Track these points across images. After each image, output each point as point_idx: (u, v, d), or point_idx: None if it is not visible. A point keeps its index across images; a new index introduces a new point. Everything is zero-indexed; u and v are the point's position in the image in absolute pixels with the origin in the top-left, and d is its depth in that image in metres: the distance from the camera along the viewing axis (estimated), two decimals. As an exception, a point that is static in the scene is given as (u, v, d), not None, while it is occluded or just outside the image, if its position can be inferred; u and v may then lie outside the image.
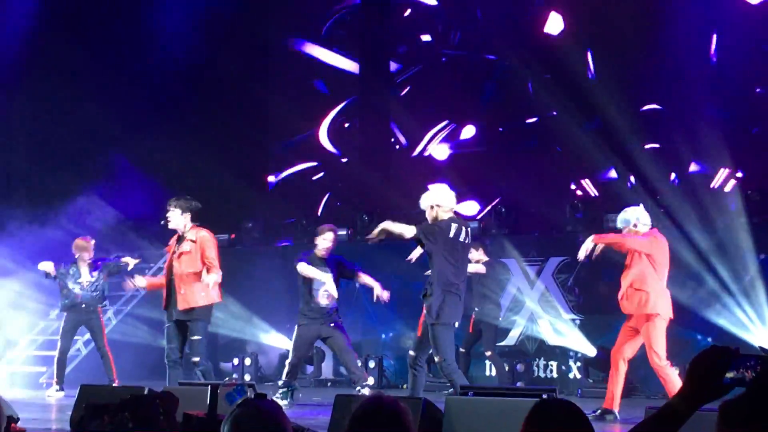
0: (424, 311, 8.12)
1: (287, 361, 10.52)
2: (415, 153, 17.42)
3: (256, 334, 15.08)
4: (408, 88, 17.87)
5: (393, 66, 17.93)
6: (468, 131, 17.13)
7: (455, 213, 8.38)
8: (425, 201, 8.28)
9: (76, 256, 12.27)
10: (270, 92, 18.23)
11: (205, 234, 9.61)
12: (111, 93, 15.96)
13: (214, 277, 9.40)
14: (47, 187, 15.49)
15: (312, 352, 12.94)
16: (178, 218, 9.56)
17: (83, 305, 12.16)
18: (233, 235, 16.17)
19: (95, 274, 12.22)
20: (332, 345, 10.42)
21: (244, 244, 16.16)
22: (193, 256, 9.46)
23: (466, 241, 8.23)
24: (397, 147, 17.95)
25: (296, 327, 10.44)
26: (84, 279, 12.20)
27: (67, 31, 15.95)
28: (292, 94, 18.25)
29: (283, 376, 10.44)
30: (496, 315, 12.46)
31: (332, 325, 10.26)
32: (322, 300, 10.24)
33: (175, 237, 9.73)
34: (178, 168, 15.74)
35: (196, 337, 9.43)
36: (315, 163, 18.61)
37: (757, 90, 14.57)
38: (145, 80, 16.33)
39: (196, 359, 9.44)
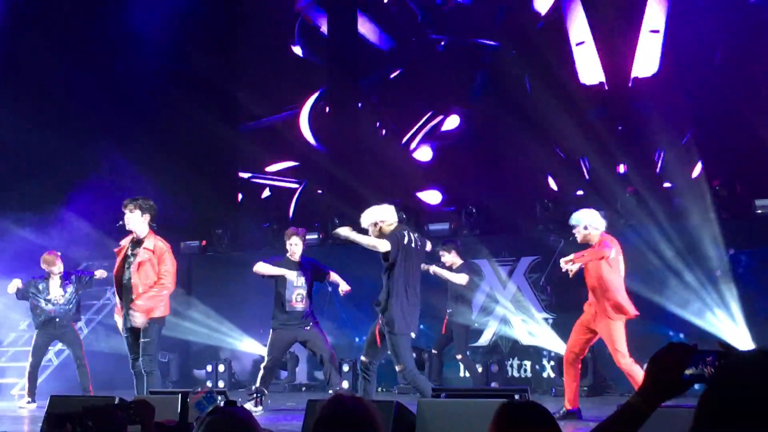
0: (381, 321, 8.14)
1: (262, 365, 10.49)
2: (403, 142, 17.19)
3: (229, 341, 15.02)
4: (393, 77, 17.64)
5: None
6: (451, 122, 16.96)
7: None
8: (368, 219, 8.28)
9: (46, 271, 12.12)
10: (240, 81, 18.15)
11: (162, 245, 9.04)
12: (80, 96, 15.81)
13: (164, 292, 8.96)
14: (17, 196, 15.31)
15: (286, 357, 12.89)
16: (137, 220, 8.95)
17: (57, 320, 12.01)
18: (204, 242, 16.11)
19: (68, 288, 12.08)
20: (312, 348, 10.36)
21: (215, 250, 16.10)
22: (152, 266, 8.94)
23: (417, 247, 8.23)
24: (363, 146, 17.80)
25: (271, 331, 10.40)
26: (54, 294, 12.05)
27: (35, 32, 15.78)
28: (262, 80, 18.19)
29: (258, 381, 10.39)
30: (469, 316, 12.48)
31: (307, 328, 10.23)
32: (297, 304, 10.23)
33: (129, 239, 9.11)
34: (147, 173, 15.61)
35: (147, 339, 8.92)
36: (294, 163, 18.45)
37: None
38: (114, 82, 16.13)
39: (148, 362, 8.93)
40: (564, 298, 13.07)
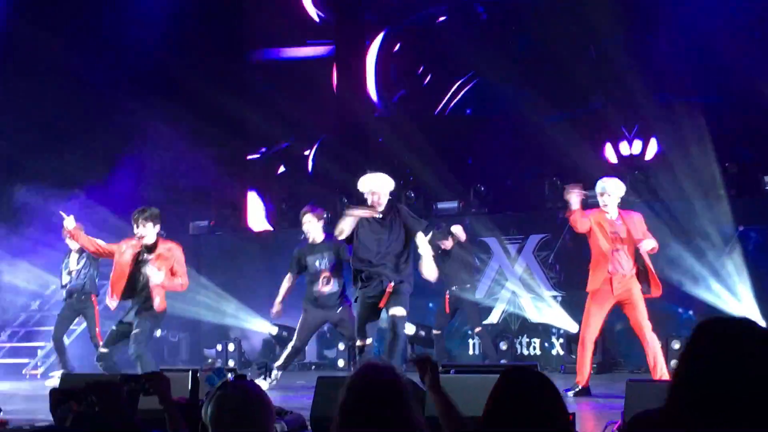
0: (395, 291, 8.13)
1: (290, 344, 10.39)
2: (438, 110, 16.91)
3: (238, 320, 15.06)
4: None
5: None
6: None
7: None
8: (382, 185, 8.30)
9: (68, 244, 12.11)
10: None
11: (173, 247, 9.24)
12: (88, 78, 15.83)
13: (179, 281, 9.15)
14: (32, 173, 15.31)
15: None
16: (150, 231, 9.04)
17: (75, 294, 12.04)
18: (213, 222, 16.13)
19: (81, 261, 12.07)
20: (342, 330, 10.27)
21: (224, 230, 16.12)
22: (167, 267, 9.08)
23: None
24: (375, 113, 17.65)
25: (302, 311, 10.29)
26: (72, 267, 12.06)
27: (38, 23, 15.78)
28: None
29: (282, 357, 10.33)
30: (472, 292, 12.50)
31: (338, 310, 10.07)
32: (324, 287, 10.01)
33: (139, 242, 9.15)
34: (159, 150, 15.61)
35: (140, 330, 8.93)
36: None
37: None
38: (126, 54, 16.08)
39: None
40: (572, 276, 13.06)
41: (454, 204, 14.22)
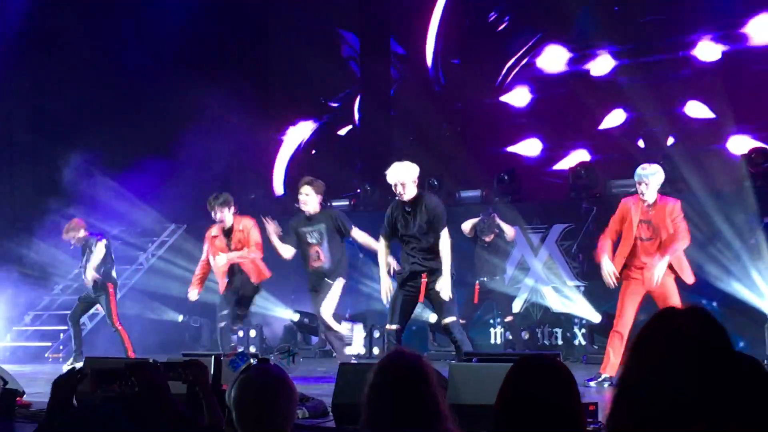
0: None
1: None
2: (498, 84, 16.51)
3: (260, 306, 15.05)
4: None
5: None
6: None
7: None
8: (405, 175, 8.25)
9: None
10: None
11: (248, 222, 10.25)
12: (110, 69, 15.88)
13: (252, 255, 10.17)
14: (52, 160, 15.38)
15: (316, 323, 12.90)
16: (227, 214, 10.13)
17: (87, 286, 12.18)
18: (236, 207, 16.11)
19: (84, 256, 12.21)
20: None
21: (248, 215, 16.09)
22: (246, 243, 10.12)
23: None
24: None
25: None
26: (83, 260, 12.21)
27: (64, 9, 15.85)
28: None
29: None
30: (502, 283, 12.52)
31: (325, 280, 9.60)
32: (315, 262, 9.59)
33: (219, 229, 10.14)
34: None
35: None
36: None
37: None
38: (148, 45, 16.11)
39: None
40: (595, 266, 12.93)
41: (477, 192, 14.18)
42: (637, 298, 8.89)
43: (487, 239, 12.31)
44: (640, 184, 8.92)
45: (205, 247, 10.37)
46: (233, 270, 10.25)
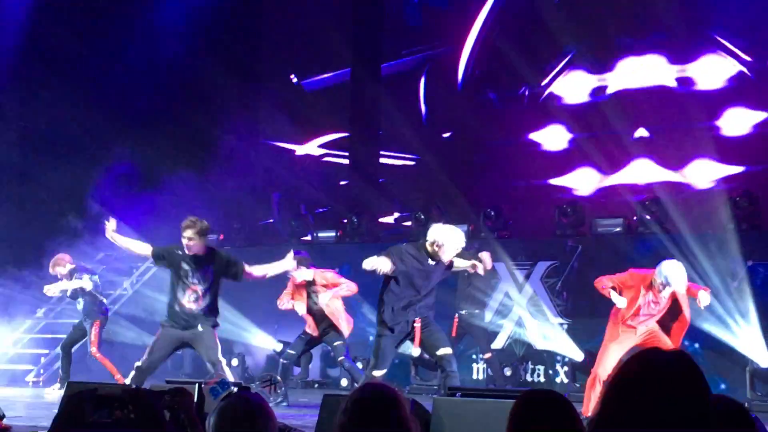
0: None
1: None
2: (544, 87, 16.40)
3: (242, 335, 15.03)
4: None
5: None
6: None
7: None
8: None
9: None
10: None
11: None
12: (109, 87, 15.90)
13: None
14: (41, 183, 15.36)
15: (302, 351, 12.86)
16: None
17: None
18: (222, 236, 16.13)
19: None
20: (198, 349, 8.90)
21: (233, 244, 16.11)
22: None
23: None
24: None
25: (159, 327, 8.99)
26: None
27: (62, 24, 15.86)
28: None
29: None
30: (482, 318, 12.49)
31: (199, 328, 8.72)
32: (188, 304, 8.68)
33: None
34: (164, 168, 15.63)
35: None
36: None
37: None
38: (147, 73, 16.16)
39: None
40: (579, 304, 13.05)
41: (463, 227, 14.18)
42: (626, 348, 8.69)
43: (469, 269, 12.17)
44: (664, 286, 8.40)
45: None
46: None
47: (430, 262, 8.01)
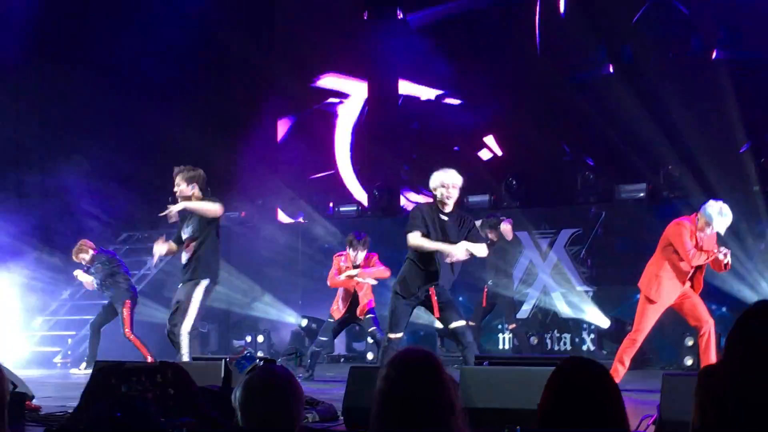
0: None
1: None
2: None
3: (268, 312, 15.06)
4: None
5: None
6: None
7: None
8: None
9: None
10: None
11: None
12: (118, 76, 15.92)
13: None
14: (61, 170, 15.42)
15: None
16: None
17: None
18: (243, 213, 16.13)
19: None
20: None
21: (256, 221, 16.11)
22: None
23: None
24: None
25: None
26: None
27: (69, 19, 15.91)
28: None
29: None
30: (510, 288, 12.46)
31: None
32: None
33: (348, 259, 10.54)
34: (185, 144, 15.63)
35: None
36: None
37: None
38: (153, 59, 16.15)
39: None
40: (604, 271, 12.99)
41: (485, 197, 14.14)
42: (662, 311, 8.64)
43: (491, 237, 12.16)
44: (708, 226, 8.39)
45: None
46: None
47: (443, 217, 7.91)
